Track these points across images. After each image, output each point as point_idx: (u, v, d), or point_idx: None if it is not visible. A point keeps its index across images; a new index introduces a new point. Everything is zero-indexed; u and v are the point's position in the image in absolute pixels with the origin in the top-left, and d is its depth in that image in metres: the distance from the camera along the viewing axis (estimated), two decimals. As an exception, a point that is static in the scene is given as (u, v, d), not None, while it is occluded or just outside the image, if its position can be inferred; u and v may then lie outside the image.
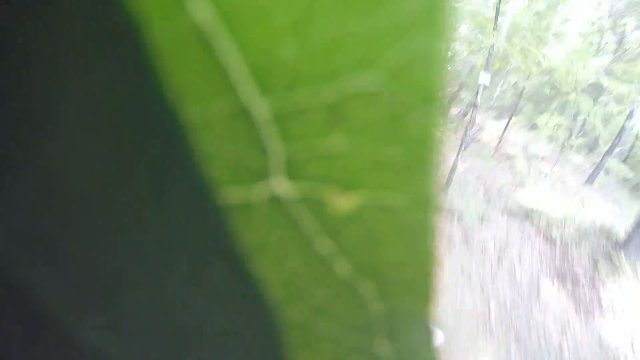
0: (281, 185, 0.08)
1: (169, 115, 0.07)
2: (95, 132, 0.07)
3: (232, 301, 0.08)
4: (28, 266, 0.07)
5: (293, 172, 0.08)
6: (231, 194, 0.08)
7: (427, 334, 0.09)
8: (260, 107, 0.08)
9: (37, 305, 0.07)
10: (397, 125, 0.08)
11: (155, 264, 0.08)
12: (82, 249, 0.07)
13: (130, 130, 0.07)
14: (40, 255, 0.07)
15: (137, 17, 0.07)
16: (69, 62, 0.07)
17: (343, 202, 0.09)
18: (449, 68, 0.07)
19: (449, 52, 0.07)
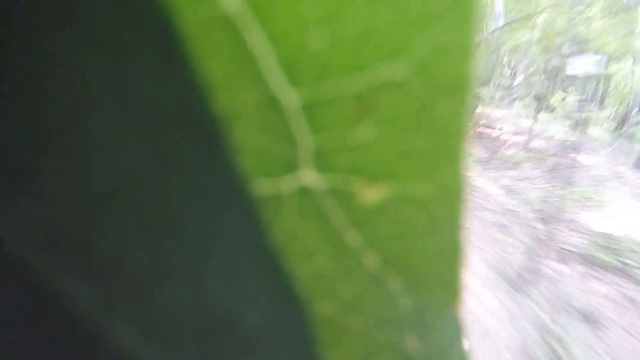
0: (310, 177, 0.08)
1: (200, 106, 0.08)
2: (127, 123, 0.07)
3: (265, 298, 0.08)
4: (57, 266, 0.07)
5: (322, 163, 0.08)
6: (261, 187, 0.08)
7: (457, 330, 0.09)
8: (290, 98, 0.08)
9: (66, 307, 0.07)
10: (425, 115, 0.08)
11: (190, 261, 0.08)
12: (115, 246, 0.07)
13: (163, 121, 0.07)
14: (70, 254, 0.07)
15: (166, 3, 0.07)
16: (99, 50, 0.07)
17: (371, 194, 0.09)
18: (477, 57, 0.08)
19: (478, 41, 0.07)
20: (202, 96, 0.07)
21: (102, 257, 0.07)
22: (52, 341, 0.07)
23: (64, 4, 0.06)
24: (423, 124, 0.08)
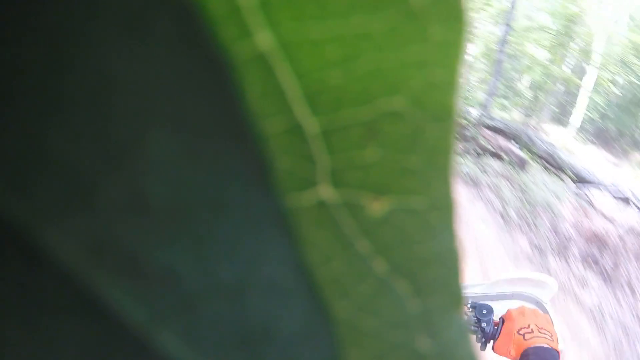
0: (327, 192, 0.10)
1: (245, 129, 0.09)
2: (182, 144, 0.08)
3: (299, 306, 0.09)
4: (109, 278, 0.08)
5: (336, 180, 0.10)
6: (287, 201, 0.09)
7: (464, 330, 0.10)
8: (311, 124, 0.09)
9: (114, 318, 0.07)
10: (418, 138, 0.10)
11: (235, 274, 0.08)
12: (165, 260, 0.08)
13: (214, 143, 0.08)
14: (123, 267, 0.08)
15: (214, 41, 0.08)
16: (163, 78, 0.08)
17: (377, 206, 0.10)
18: (460, 92, 0.10)
19: (461, 80, 0.09)
20: (243, 122, 0.09)
21: (152, 270, 0.08)
22: (99, 350, 0.07)
23: (137, 42, 0.08)
24: (417, 145, 0.10)
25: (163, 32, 0.08)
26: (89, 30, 0.08)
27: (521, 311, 0.69)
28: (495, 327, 0.71)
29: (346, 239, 0.10)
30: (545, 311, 0.74)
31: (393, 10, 0.09)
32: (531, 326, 0.65)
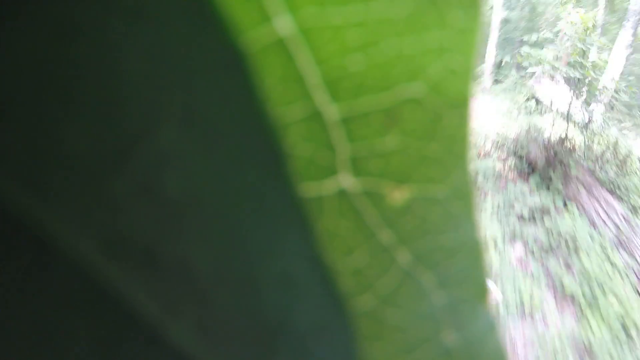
0: (347, 180, 0.09)
1: (258, 119, 0.08)
2: (194, 138, 0.08)
3: (314, 297, 0.09)
4: (123, 270, 0.07)
5: (357, 168, 0.10)
6: (306, 190, 0.09)
7: (491, 324, 0.10)
8: (331, 112, 0.09)
9: (128, 310, 0.07)
10: (437, 125, 0.10)
11: (249, 266, 0.08)
12: (180, 252, 0.07)
13: (226, 135, 0.08)
14: (138, 259, 0.07)
15: (230, 27, 0.08)
16: (172, 73, 0.08)
17: (398, 195, 0.10)
18: (475, 80, 0.10)
19: (476, 68, 0.10)
20: (260, 110, 0.08)
21: (165, 262, 0.07)
22: (110, 343, 0.07)
23: (154, 40, 0.07)
24: (436, 132, 0.10)
25: (176, 23, 0.08)
26: (101, 22, 0.08)
27: None
28: None
29: (368, 229, 0.10)
30: None
31: (412, -4, 0.09)
32: None
